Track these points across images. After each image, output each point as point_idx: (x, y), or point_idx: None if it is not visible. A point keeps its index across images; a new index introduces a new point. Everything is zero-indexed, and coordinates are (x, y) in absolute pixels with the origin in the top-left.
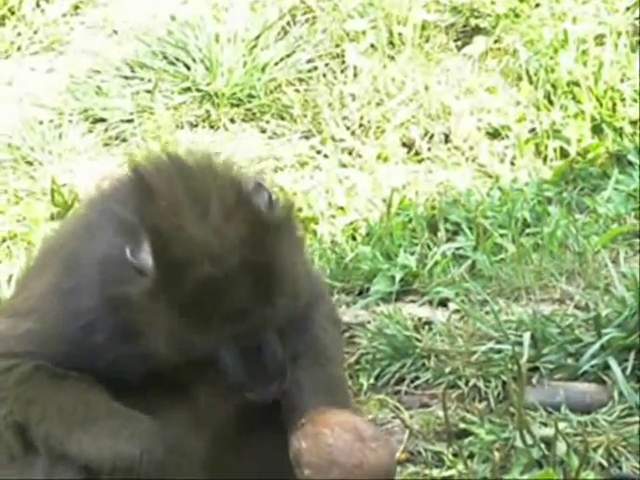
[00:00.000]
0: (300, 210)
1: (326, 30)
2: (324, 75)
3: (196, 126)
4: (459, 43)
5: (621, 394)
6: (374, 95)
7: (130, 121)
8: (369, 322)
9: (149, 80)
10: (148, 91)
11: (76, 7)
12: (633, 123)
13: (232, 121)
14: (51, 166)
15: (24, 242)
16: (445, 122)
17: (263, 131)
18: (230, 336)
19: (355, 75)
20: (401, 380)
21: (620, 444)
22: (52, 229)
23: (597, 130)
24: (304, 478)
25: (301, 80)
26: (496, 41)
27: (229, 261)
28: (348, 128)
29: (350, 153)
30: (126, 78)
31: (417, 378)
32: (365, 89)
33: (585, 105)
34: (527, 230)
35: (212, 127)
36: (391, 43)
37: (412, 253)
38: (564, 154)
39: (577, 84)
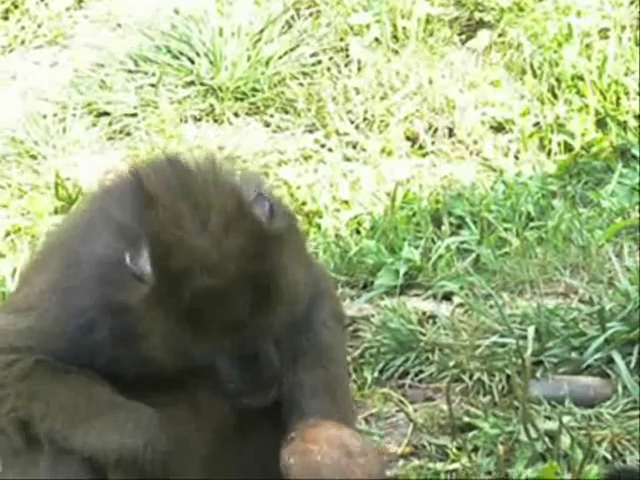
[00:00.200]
0: (304, 204)
1: (330, 24)
2: (328, 69)
3: (200, 120)
4: (463, 37)
5: (625, 388)
6: (378, 89)
7: (134, 115)
8: (373, 316)
9: (153, 74)
10: (152, 85)
11: (80, 1)
12: (637, 117)
13: (236, 115)
14: (55, 160)
15: (28, 236)
16: (449, 116)
17: (267, 125)
18: (226, 345)
19: (359, 69)
20: (405, 374)
21: (624, 437)
22: (55, 224)
23: (601, 124)
24: None
25: (305, 74)
26: (500, 35)
27: (227, 272)
28: (352, 122)
29: (354, 147)
30: (130, 72)
31: (421, 372)
32: (369, 83)
33: (589, 99)
34: (531, 224)
35: (216, 121)
36: (395, 37)
37: (416, 247)
38: (568, 148)
39: (581, 78)
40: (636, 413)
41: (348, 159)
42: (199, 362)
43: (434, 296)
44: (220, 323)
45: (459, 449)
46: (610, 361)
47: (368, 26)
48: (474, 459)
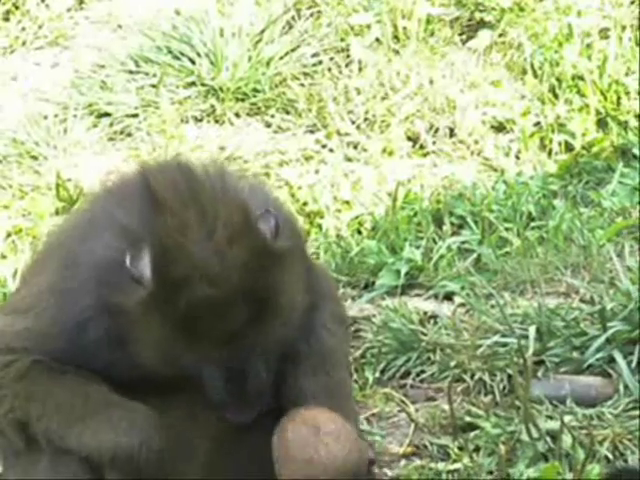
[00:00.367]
0: (305, 204)
1: (331, 24)
2: (329, 69)
3: (201, 120)
4: (464, 37)
5: (626, 387)
6: (379, 89)
7: (135, 116)
8: (374, 316)
9: (154, 75)
10: (153, 86)
11: (81, 2)
12: (638, 117)
13: (237, 115)
14: (56, 161)
15: (29, 237)
16: (450, 116)
17: (268, 125)
18: (217, 357)
19: (360, 69)
20: (407, 374)
21: (625, 437)
22: (56, 225)
23: (602, 124)
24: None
25: (306, 74)
26: (501, 35)
27: (227, 284)
28: (353, 122)
29: (355, 147)
30: (131, 73)
31: (423, 372)
32: (370, 83)
33: (590, 99)
34: (532, 224)
35: (217, 121)
36: (396, 37)
37: (417, 247)
38: (569, 148)
39: (582, 78)
40: (637, 413)
41: (349, 159)
42: (188, 371)
43: (435, 296)
44: (214, 334)
45: (461, 449)
46: (611, 361)
47: (369, 26)
48: (476, 459)
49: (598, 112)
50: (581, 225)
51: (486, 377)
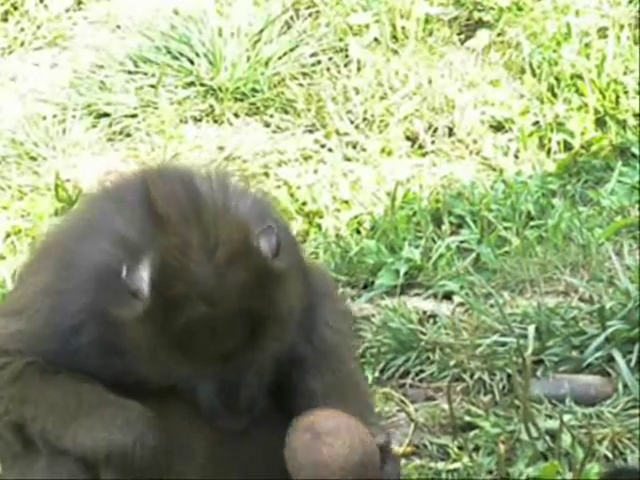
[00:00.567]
0: (304, 204)
1: (329, 24)
2: (328, 69)
3: (200, 120)
4: (462, 36)
5: (625, 386)
6: (378, 89)
7: (134, 116)
8: (374, 316)
9: (153, 75)
10: (152, 86)
11: (79, 2)
12: (636, 115)
13: (236, 115)
14: (55, 161)
15: (28, 237)
16: (449, 115)
17: (267, 125)
18: (211, 373)
19: (359, 69)
20: (406, 373)
21: (625, 436)
22: (54, 225)
23: (600, 123)
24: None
25: (305, 74)
26: (499, 34)
27: (225, 304)
28: (352, 122)
29: (354, 147)
30: (130, 73)
31: (422, 371)
32: (369, 83)
33: (588, 98)
34: (531, 223)
35: (216, 121)
36: (394, 37)
37: (416, 246)
38: (568, 147)
39: (580, 77)
40: (637, 412)
41: (348, 159)
42: (181, 382)
43: (434, 295)
44: (210, 352)
45: (460, 448)
46: (610, 360)
47: (367, 26)
48: (475, 458)
49: (597, 111)
50: (580, 224)
51: (485, 376)
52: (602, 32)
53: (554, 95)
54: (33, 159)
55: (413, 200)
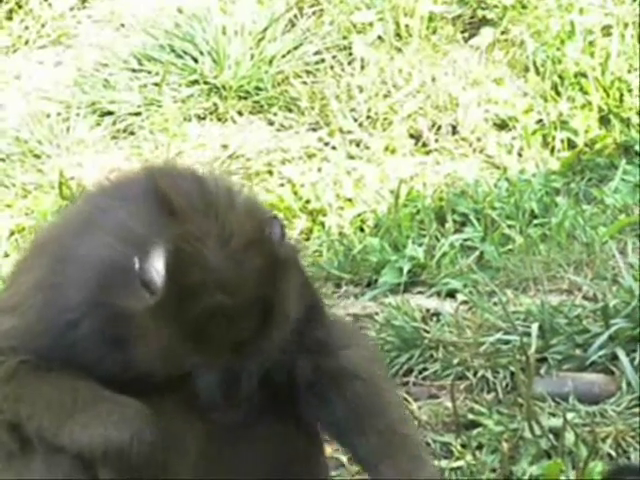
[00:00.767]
0: (308, 202)
1: (333, 22)
2: (331, 67)
3: (204, 119)
4: (466, 34)
5: (629, 384)
6: (381, 87)
7: (138, 114)
8: (377, 313)
9: (157, 73)
10: (156, 84)
11: (83, 1)
12: None
13: (240, 113)
14: (59, 159)
15: (32, 235)
16: (452, 113)
17: (271, 123)
18: (221, 362)
19: (362, 67)
20: (409, 371)
21: (628, 434)
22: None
23: (604, 121)
24: None
25: (308, 72)
26: (503, 32)
27: (241, 292)
28: (356, 120)
29: (358, 145)
30: (134, 71)
31: (425, 369)
32: (372, 81)
33: (592, 96)
34: (535, 221)
35: (220, 120)
36: (398, 35)
37: (420, 244)
38: (571, 145)
39: (584, 75)
40: None
41: (352, 157)
42: (184, 373)
43: (438, 293)
44: (223, 341)
45: (463, 446)
46: (614, 358)
47: (371, 24)
48: (478, 456)
49: (600, 109)
50: (584, 222)
51: (489, 375)
52: (606, 30)
53: (558, 93)
54: (37, 157)
55: (417, 198)
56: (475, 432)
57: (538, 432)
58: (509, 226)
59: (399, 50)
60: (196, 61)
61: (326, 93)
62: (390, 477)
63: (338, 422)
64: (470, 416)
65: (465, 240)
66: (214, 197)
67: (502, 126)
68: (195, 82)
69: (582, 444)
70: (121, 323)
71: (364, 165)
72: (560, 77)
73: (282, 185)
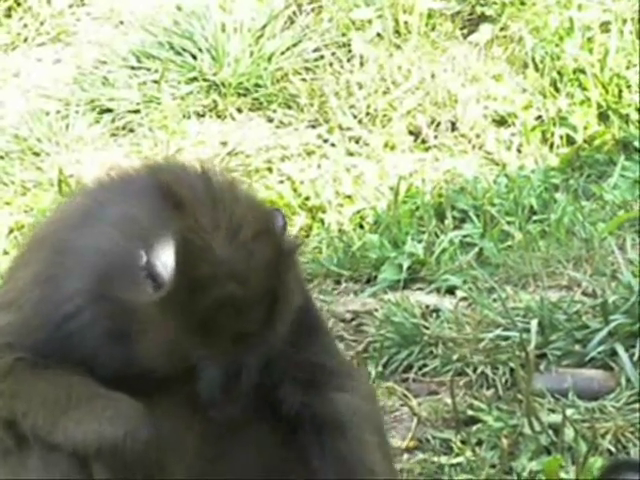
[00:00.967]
0: (307, 199)
1: (332, 19)
2: (330, 64)
3: (203, 116)
4: (465, 31)
5: (628, 380)
6: (380, 84)
7: (137, 111)
8: (377, 310)
9: (156, 70)
10: (155, 81)
11: None
12: (639, 110)
13: (239, 111)
14: (58, 157)
15: (30, 232)
16: (451, 110)
17: (270, 120)
18: (226, 355)
19: (361, 64)
20: (409, 368)
21: (628, 430)
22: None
23: (603, 117)
24: None
25: (308, 69)
26: (502, 29)
27: (251, 283)
28: (355, 117)
29: (357, 142)
30: (133, 68)
31: (425, 366)
32: (371, 78)
33: (591, 92)
34: (534, 217)
35: (219, 117)
36: (397, 32)
37: (419, 241)
38: (570, 141)
39: (583, 71)
40: (639, 406)
41: (351, 154)
42: (187, 367)
43: (437, 290)
44: (230, 333)
45: (463, 442)
46: (613, 354)
47: (370, 21)
48: (478, 452)
49: (599, 105)
50: (583, 218)
51: (488, 371)
52: (605, 26)
53: (557, 89)
54: (36, 154)
55: (416, 195)
56: (475, 428)
57: (538, 428)
58: (508, 222)
59: (398, 47)
60: (195, 58)
61: (325, 90)
62: None
63: (315, 471)
64: (470, 412)
65: (464, 236)
66: (218, 190)
67: (501, 122)
68: (194, 79)
69: (581, 440)
70: (122, 316)
71: (363, 162)
72: (559, 73)
73: (281, 182)
